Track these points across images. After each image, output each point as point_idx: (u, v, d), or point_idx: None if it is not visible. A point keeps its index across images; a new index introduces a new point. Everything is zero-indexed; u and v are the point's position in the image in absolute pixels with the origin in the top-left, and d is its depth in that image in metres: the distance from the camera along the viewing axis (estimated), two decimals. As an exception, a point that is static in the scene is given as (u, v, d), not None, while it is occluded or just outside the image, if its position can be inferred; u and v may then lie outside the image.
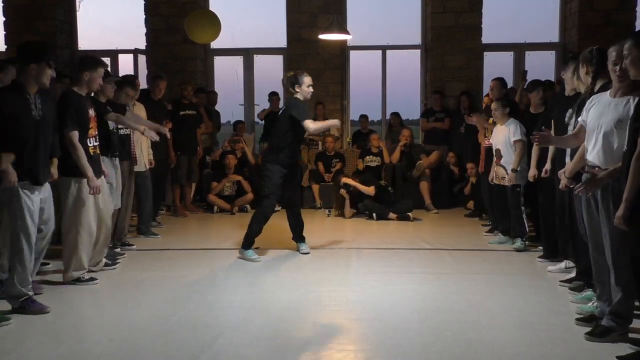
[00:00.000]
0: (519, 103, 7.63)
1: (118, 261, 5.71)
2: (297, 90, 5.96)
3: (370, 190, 8.30)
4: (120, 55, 11.07)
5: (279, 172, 5.96)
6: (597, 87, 4.07)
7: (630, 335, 3.67)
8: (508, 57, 10.73)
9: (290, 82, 5.99)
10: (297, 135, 5.97)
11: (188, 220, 8.32)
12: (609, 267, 3.74)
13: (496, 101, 6.58)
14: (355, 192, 8.38)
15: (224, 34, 8.81)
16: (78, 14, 11.11)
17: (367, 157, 9.25)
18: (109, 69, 5.66)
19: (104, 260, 5.46)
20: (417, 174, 9.05)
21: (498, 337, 3.84)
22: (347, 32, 9.26)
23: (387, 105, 10.95)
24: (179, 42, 10.25)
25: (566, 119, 4.66)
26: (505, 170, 6.29)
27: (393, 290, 4.85)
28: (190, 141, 8.41)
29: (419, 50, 10.81)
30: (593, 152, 3.71)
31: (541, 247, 5.98)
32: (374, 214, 8.18)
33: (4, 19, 10.53)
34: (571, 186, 4.26)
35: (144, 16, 10.58)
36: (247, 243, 5.99)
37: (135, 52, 10.90)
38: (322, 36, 9.23)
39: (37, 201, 4.29)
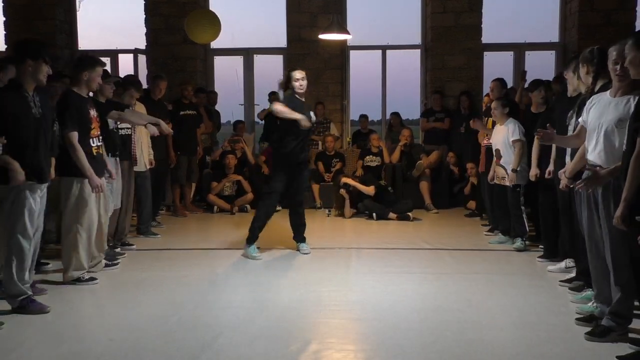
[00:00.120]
0: (519, 103, 7.63)
1: (118, 261, 5.71)
2: (290, 87, 6.02)
3: (370, 190, 8.31)
4: (120, 55, 11.08)
5: (283, 170, 6.00)
6: (597, 87, 4.07)
7: (630, 335, 3.67)
8: (508, 57, 10.75)
9: (284, 84, 6.10)
10: (293, 132, 5.94)
11: (188, 220, 8.32)
12: (607, 267, 3.75)
13: (496, 101, 6.59)
14: (355, 192, 8.38)
15: (224, 34, 8.83)
16: (78, 13, 11.13)
17: (367, 157, 9.26)
18: (108, 68, 5.67)
19: (104, 261, 5.46)
20: (417, 173, 9.05)
21: (498, 337, 3.84)
22: (347, 32, 9.26)
23: (387, 105, 10.97)
24: (179, 42, 10.26)
25: (566, 120, 4.66)
26: (505, 170, 6.30)
27: (393, 290, 4.85)
28: (190, 141, 8.41)
29: (419, 50, 10.81)
30: (594, 152, 3.71)
31: (541, 247, 5.98)
32: (374, 214, 8.19)
33: (4, 19, 10.53)
34: (571, 186, 4.26)
35: (144, 16, 10.58)
36: (250, 238, 6.03)
37: (135, 52, 10.90)
38: (322, 36, 9.23)
39: (38, 201, 4.31)
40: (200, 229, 7.83)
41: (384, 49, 10.80)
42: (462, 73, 10.21)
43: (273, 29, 19.28)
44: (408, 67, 17.36)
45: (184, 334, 3.87)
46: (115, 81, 6.03)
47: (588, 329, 3.81)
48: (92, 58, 5.09)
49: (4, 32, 10.51)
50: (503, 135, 6.37)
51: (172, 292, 4.84)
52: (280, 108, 5.86)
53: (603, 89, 3.94)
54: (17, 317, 4.19)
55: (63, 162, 4.88)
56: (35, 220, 4.29)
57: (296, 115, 5.85)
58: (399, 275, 5.31)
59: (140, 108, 6.79)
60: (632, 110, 3.41)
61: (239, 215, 8.64)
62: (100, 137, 5.13)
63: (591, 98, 3.91)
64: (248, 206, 8.92)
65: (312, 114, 6.20)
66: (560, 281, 4.94)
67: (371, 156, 9.25)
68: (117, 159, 5.80)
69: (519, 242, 6.24)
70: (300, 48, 10.41)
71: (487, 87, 8.18)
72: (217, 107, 10.00)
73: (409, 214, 8.16)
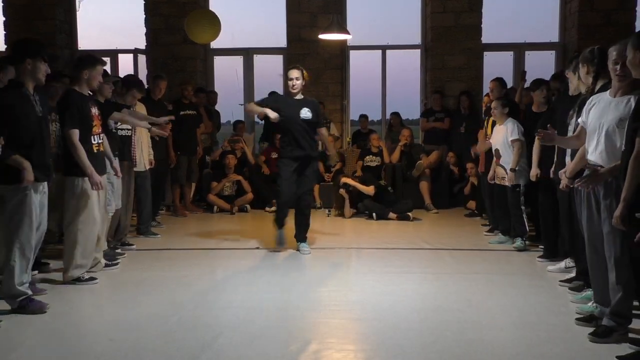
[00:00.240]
0: (519, 103, 7.63)
1: (118, 261, 5.71)
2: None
3: (369, 190, 8.30)
4: (120, 55, 11.07)
5: (287, 165, 6.10)
6: (597, 87, 4.06)
7: (630, 335, 3.67)
8: (508, 57, 10.74)
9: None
10: (280, 128, 6.16)
11: (188, 220, 8.32)
12: (605, 267, 3.75)
13: (496, 100, 6.59)
14: (355, 192, 8.38)
15: (224, 34, 8.82)
16: (78, 13, 11.12)
17: (367, 157, 9.25)
18: (108, 69, 5.69)
19: (103, 261, 5.46)
20: (417, 173, 9.05)
21: (498, 337, 3.84)
22: (347, 32, 9.26)
23: (387, 105, 10.97)
24: (179, 42, 10.25)
25: (567, 119, 4.65)
26: (505, 170, 6.30)
27: (393, 290, 4.85)
28: (190, 141, 8.41)
29: (419, 50, 10.81)
30: (595, 152, 3.71)
31: (541, 247, 5.98)
32: (374, 214, 8.19)
33: (4, 19, 10.53)
34: (572, 186, 4.26)
35: (144, 16, 10.58)
36: (278, 224, 6.29)
37: (135, 52, 10.90)
38: (322, 36, 9.23)
39: (39, 198, 4.34)
40: (200, 229, 7.83)
41: (383, 49, 10.79)
42: (462, 73, 10.21)
43: (273, 29, 19.29)
44: (408, 67, 17.39)
45: (184, 334, 3.87)
46: (114, 81, 6.03)
47: (588, 329, 3.81)
48: (92, 57, 5.13)
49: (4, 32, 10.52)
50: (502, 135, 6.37)
51: (172, 292, 4.84)
52: (247, 107, 6.04)
53: (603, 89, 3.94)
54: (16, 317, 4.19)
55: (66, 162, 4.94)
56: (37, 220, 4.30)
57: (258, 110, 6.08)
58: (399, 275, 5.31)
59: (141, 108, 6.79)
60: (632, 110, 3.41)
61: (239, 215, 8.64)
62: (102, 135, 5.16)
63: (591, 98, 3.91)
64: (248, 206, 8.93)
65: (305, 110, 6.09)
66: (560, 281, 4.94)
67: (371, 156, 9.25)
68: (117, 159, 5.79)
69: (519, 242, 6.24)
70: (300, 48, 10.41)
71: (487, 87, 8.17)
72: (217, 107, 10.00)
73: (409, 214, 8.16)
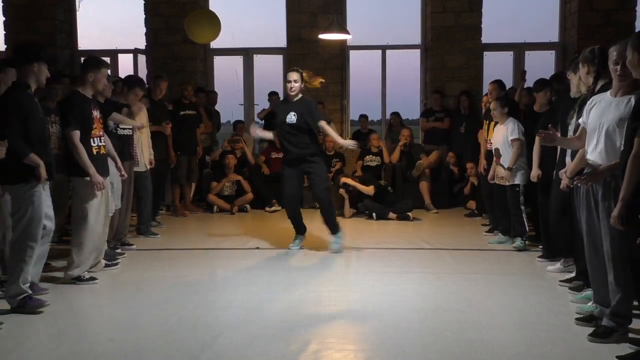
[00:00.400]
0: (518, 102, 7.63)
1: (118, 261, 5.71)
2: None
3: (369, 190, 8.31)
4: (120, 55, 11.08)
5: (286, 167, 6.28)
6: (598, 87, 4.06)
7: (630, 335, 3.67)
8: (508, 57, 10.75)
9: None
10: (279, 134, 6.26)
11: (188, 220, 8.32)
12: (604, 267, 3.75)
13: (495, 101, 6.59)
14: (354, 192, 8.38)
15: (224, 33, 8.83)
16: (78, 13, 11.13)
17: (367, 156, 9.26)
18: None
19: (103, 261, 5.46)
20: (417, 173, 9.05)
21: (498, 337, 3.84)
22: (347, 32, 9.26)
23: (387, 105, 10.98)
24: (179, 42, 10.26)
25: (567, 119, 4.65)
26: (505, 169, 6.29)
27: (393, 290, 4.85)
28: (190, 141, 8.41)
29: (419, 50, 10.81)
30: (595, 152, 3.71)
31: (541, 247, 5.97)
32: (374, 214, 8.19)
33: (4, 18, 10.53)
34: (572, 186, 4.26)
35: (144, 16, 10.59)
36: (295, 229, 6.45)
37: (135, 52, 10.90)
38: (322, 36, 9.24)
39: (46, 197, 4.42)
40: (200, 229, 7.83)
41: (383, 49, 10.80)
42: (462, 73, 10.21)
43: (273, 29, 19.30)
44: (408, 67, 17.41)
45: (184, 334, 3.87)
46: (114, 81, 6.06)
47: (588, 329, 3.81)
48: (97, 59, 5.20)
49: (4, 32, 10.53)
50: (503, 135, 6.37)
51: (172, 292, 4.84)
52: (251, 131, 6.80)
53: (604, 89, 3.93)
54: (16, 317, 4.19)
55: (70, 163, 4.99)
56: (43, 219, 4.36)
57: (261, 134, 6.80)
58: (399, 275, 5.31)
59: (141, 108, 6.78)
60: (631, 110, 3.41)
61: (239, 215, 8.64)
62: (103, 138, 5.21)
63: (591, 99, 3.90)
64: (248, 206, 8.93)
65: (291, 115, 6.07)
66: (560, 281, 4.94)
67: (371, 156, 9.25)
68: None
69: (518, 242, 6.24)
70: (300, 48, 10.42)
71: (487, 87, 8.17)
72: (217, 107, 10.00)
73: (409, 214, 8.16)
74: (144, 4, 10.54)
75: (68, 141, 4.90)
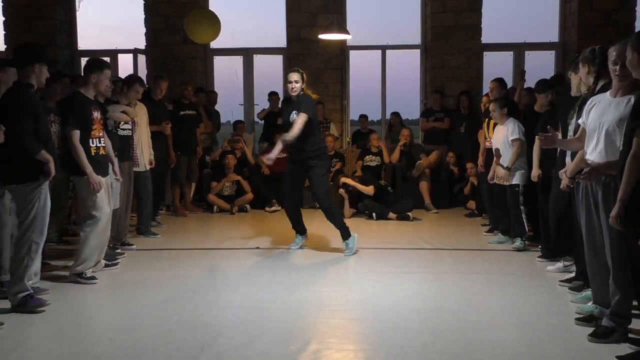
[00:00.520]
0: (518, 102, 7.63)
1: (118, 261, 5.71)
2: None
3: (369, 190, 8.31)
4: (120, 55, 11.06)
5: (289, 167, 6.30)
6: (598, 87, 4.05)
7: (630, 335, 3.67)
8: (508, 56, 10.74)
9: None
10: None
11: (188, 220, 8.32)
12: (604, 268, 3.75)
13: (494, 102, 6.58)
14: (354, 192, 8.38)
15: (223, 33, 8.83)
16: (78, 13, 11.12)
17: (367, 156, 9.25)
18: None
19: (103, 261, 5.46)
20: (417, 173, 9.05)
21: (498, 337, 3.84)
22: (347, 32, 9.26)
23: (387, 105, 10.97)
24: (179, 42, 10.26)
25: (567, 119, 4.65)
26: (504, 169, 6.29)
27: (393, 290, 4.85)
28: (190, 141, 8.41)
29: (419, 50, 10.81)
30: (595, 152, 3.71)
31: (541, 247, 5.97)
32: (374, 214, 8.19)
33: (4, 18, 10.53)
34: (572, 186, 4.26)
35: (144, 16, 10.58)
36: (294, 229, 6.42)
37: (135, 52, 10.89)
38: (322, 36, 9.23)
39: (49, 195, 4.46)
40: (200, 229, 7.83)
41: (383, 48, 10.79)
42: (462, 73, 10.21)
43: (273, 29, 19.28)
44: (408, 67, 17.40)
45: (184, 334, 3.87)
46: (113, 80, 6.08)
47: (588, 329, 3.81)
48: (100, 61, 5.27)
49: (4, 32, 10.52)
50: (503, 135, 6.37)
51: (172, 292, 4.84)
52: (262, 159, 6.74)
53: (604, 89, 3.93)
54: (17, 316, 4.19)
55: (72, 162, 5.02)
56: (48, 215, 4.42)
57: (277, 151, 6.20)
58: (399, 275, 5.31)
59: (141, 108, 6.80)
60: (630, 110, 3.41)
61: (239, 215, 8.65)
62: (102, 139, 5.24)
63: (591, 99, 3.90)
64: (248, 206, 8.93)
65: (293, 113, 6.04)
66: (560, 281, 4.94)
67: (371, 156, 9.25)
68: (117, 159, 5.81)
69: (518, 242, 6.24)
70: (300, 48, 10.41)
71: (487, 87, 8.17)
72: (217, 107, 10.00)
73: (409, 214, 8.16)
74: (144, 4, 10.54)
75: (68, 140, 4.96)
